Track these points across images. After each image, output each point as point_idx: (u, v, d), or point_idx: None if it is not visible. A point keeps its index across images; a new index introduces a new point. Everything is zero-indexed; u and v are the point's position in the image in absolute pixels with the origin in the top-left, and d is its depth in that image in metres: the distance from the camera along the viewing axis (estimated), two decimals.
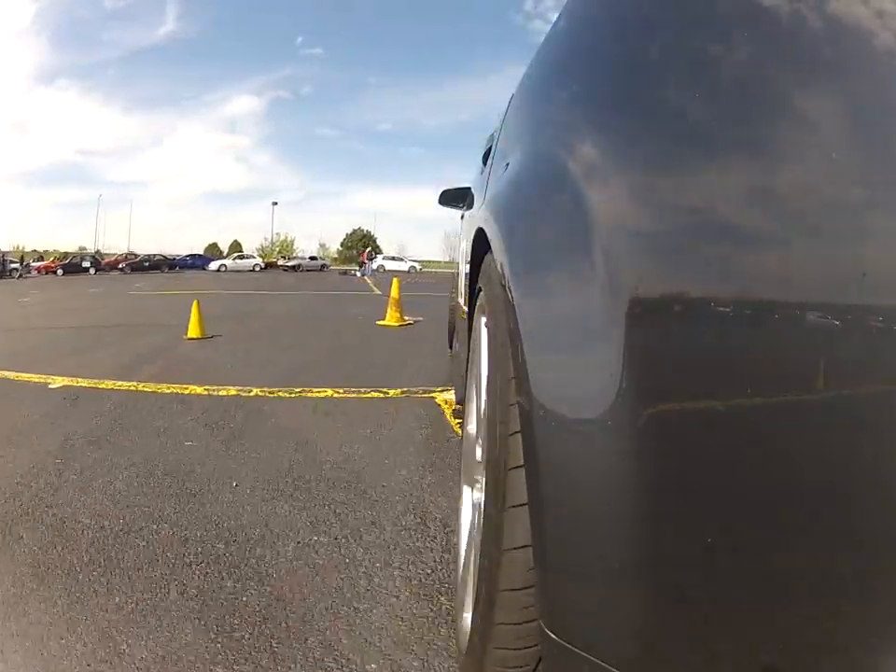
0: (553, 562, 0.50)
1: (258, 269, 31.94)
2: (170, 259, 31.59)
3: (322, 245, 55.88)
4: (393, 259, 39.14)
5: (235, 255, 34.96)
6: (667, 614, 0.41)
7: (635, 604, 0.42)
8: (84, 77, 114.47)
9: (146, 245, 54.05)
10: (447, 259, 71.27)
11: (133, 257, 31.67)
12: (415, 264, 39.69)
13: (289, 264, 33.67)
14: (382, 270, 36.67)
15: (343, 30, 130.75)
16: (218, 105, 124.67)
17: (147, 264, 29.28)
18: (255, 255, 36.43)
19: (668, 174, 0.45)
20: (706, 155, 0.42)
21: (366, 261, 27.26)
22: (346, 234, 55.82)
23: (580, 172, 0.56)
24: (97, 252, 37.42)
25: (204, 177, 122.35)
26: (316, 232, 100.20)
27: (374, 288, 12.85)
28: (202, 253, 40.01)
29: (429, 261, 60.03)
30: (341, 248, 55.02)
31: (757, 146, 0.38)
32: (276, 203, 50.87)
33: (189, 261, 33.83)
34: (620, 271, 0.45)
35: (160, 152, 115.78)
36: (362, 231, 55.26)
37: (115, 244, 50.99)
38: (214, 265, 31.27)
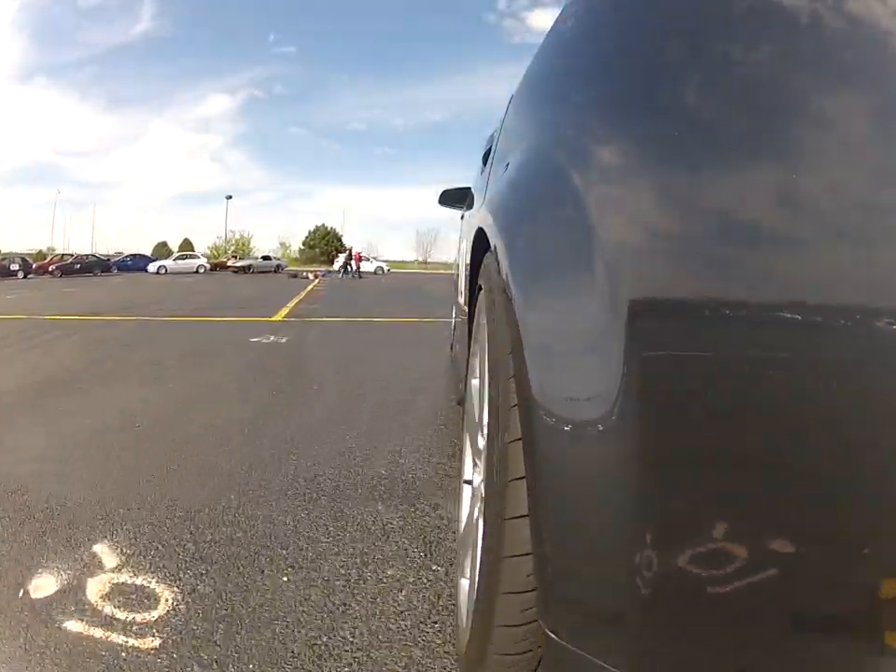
0: (554, 562, 0.50)
1: (202, 270, 29.11)
2: (104, 261, 28.54)
3: (283, 244, 52.61)
4: None
5: (176, 255, 31.82)
6: (667, 614, 0.41)
7: (635, 604, 0.42)
8: (59, 75, 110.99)
9: (114, 246, 52.30)
10: (420, 259, 68.79)
11: (68, 258, 28.68)
12: (383, 265, 37.21)
13: (239, 265, 30.94)
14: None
15: (316, 27, 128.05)
16: (192, 105, 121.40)
17: (77, 267, 26.22)
18: (199, 255, 33.28)
19: (670, 174, 0.44)
20: (709, 156, 0.42)
21: (348, 262, 24.46)
22: (309, 231, 52.63)
23: (580, 172, 0.55)
24: (50, 249, 34.29)
25: (177, 177, 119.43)
26: (286, 232, 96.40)
27: (278, 314, 7.34)
28: (147, 254, 36.93)
29: (400, 262, 57.70)
30: (303, 247, 51.91)
31: (761, 148, 0.38)
32: (231, 198, 47.27)
33: (129, 262, 30.71)
34: (621, 271, 0.45)
35: (132, 152, 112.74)
36: (326, 228, 52.21)
37: (83, 244, 49.22)
38: (152, 267, 28.24)
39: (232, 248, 44.09)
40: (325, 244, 49.76)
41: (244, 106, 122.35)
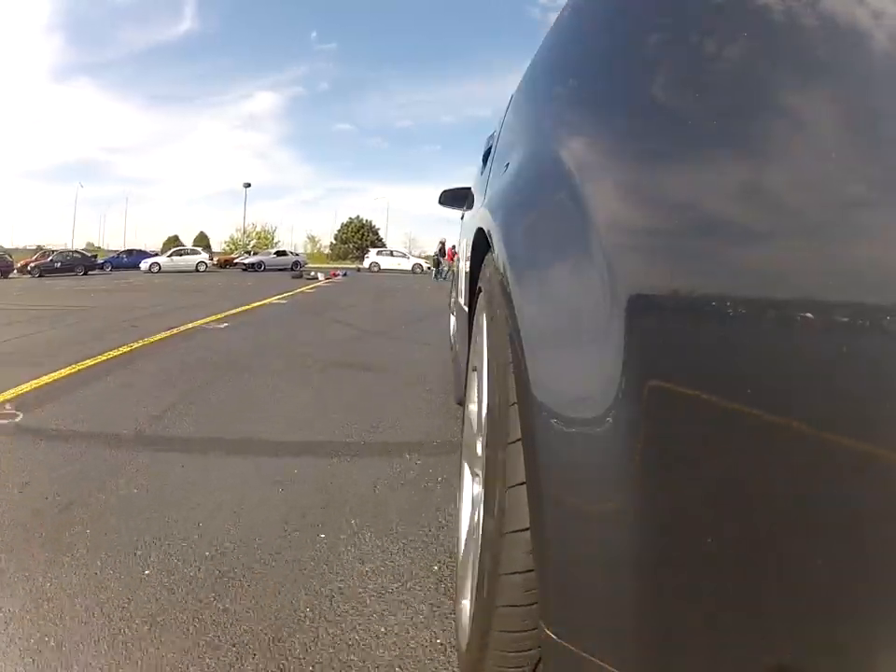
0: (554, 561, 0.50)
1: (202, 268, 23.94)
2: (90, 258, 23.84)
3: (311, 238, 47.25)
4: (392, 254, 30.50)
5: (172, 251, 26.58)
6: (668, 614, 0.40)
7: (635, 604, 0.42)
8: (101, 74, 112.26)
9: (154, 241, 52.44)
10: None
11: (52, 254, 24.38)
12: (422, 262, 31.11)
13: (248, 261, 25.61)
14: (376, 268, 28.40)
15: (357, 24, 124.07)
16: (235, 103, 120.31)
17: (58, 265, 21.73)
18: (199, 250, 27.87)
19: (668, 172, 0.44)
20: (707, 153, 0.42)
21: (445, 260, 18.22)
22: (342, 224, 46.76)
23: (579, 170, 0.55)
24: (90, 245, 31.10)
25: (220, 174, 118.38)
26: (329, 228, 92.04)
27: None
28: (147, 249, 32.36)
29: None
30: (334, 242, 46.31)
31: (757, 144, 0.38)
32: (249, 185, 41.88)
33: (124, 259, 26.05)
34: (620, 269, 0.45)
35: (176, 149, 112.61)
36: (360, 220, 46.34)
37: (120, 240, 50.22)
38: (144, 265, 23.32)
39: (253, 242, 39.09)
40: (359, 238, 43.99)
41: (288, 104, 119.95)
